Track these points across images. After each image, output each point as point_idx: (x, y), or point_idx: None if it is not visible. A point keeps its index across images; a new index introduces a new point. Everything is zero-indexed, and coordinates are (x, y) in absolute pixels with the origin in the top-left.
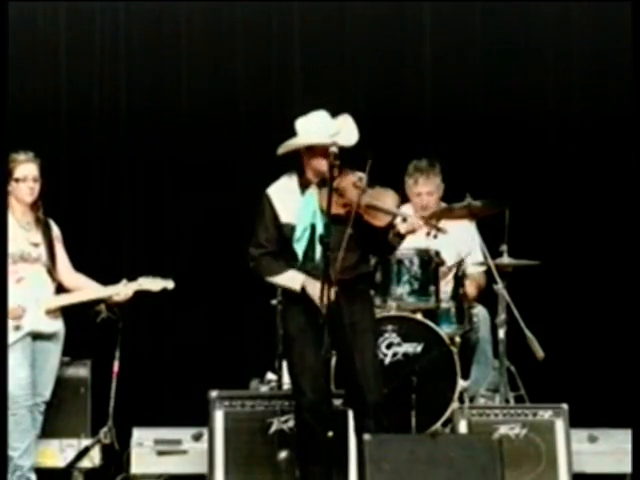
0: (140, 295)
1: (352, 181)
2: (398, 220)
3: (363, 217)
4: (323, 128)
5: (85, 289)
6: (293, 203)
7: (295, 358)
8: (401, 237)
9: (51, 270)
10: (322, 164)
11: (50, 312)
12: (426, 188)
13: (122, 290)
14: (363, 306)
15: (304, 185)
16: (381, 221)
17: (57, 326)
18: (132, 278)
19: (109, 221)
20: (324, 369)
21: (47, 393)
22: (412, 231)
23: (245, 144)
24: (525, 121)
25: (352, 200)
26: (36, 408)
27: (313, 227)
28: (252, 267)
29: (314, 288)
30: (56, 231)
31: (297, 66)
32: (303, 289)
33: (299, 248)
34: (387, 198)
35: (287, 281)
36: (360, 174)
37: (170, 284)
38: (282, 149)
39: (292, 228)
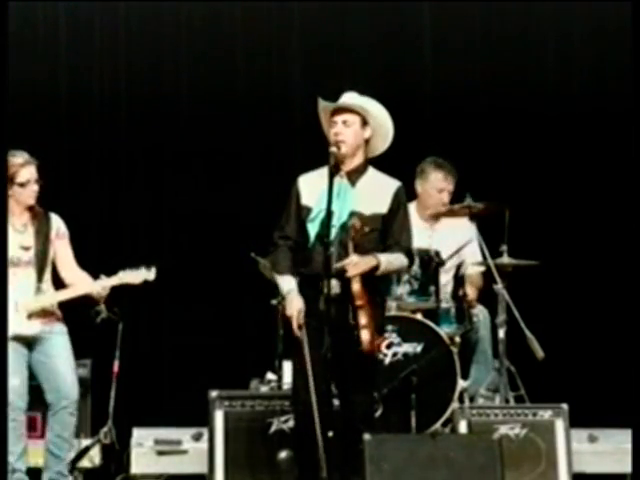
0: (140, 294)
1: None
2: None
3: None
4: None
5: (67, 288)
6: (318, 187)
7: (294, 358)
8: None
9: (40, 272)
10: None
11: (33, 315)
12: (450, 186)
13: (101, 286)
14: None
15: (333, 172)
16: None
17: (37, 329)
18: None
19: (108, 217)
20: (323, 370)
21: (72, 393)
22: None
23: (246, 140)
24: (525, 121)
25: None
26: (65, 410)
27: (330, 211)
28: (270, 252)
29: (291, 306)
30: (62, 228)
31: (297, 65)
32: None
33: (312, 229)
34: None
35: (280, 284)
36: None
37: (151, 275)
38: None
39: (309, 210)
